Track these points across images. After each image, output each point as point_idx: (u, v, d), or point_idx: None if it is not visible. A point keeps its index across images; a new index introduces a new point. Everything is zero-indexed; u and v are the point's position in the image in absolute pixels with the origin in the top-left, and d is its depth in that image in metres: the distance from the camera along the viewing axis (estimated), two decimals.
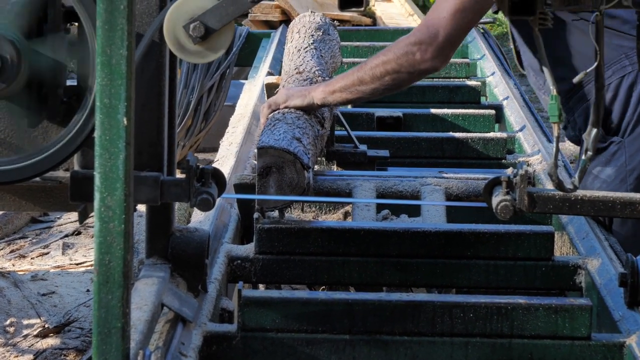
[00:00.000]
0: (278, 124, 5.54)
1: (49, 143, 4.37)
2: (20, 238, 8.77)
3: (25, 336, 6.77)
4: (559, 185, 4.44)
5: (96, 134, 3.41)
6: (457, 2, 5.02)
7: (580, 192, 4.51)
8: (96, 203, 3.43)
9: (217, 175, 4.45)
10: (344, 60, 8.00)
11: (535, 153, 6.71)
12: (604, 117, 4.83)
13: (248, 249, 5.16)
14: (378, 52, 5.24)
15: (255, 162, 5.17)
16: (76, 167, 4.47)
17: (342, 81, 5.39)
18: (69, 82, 4.39)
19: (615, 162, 4.75)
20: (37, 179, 4.45)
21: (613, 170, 4.76)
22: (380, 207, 5.77)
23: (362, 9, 3.94)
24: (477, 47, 9.27)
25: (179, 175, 4.49)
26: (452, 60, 9.04)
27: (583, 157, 4.26)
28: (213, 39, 4.04)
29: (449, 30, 5.04)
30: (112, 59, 3.37)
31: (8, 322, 6.83)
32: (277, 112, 5.89)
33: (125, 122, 3.39)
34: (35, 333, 6.78)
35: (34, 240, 8.70)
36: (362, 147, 6.46)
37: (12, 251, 8.55)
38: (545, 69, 4.30)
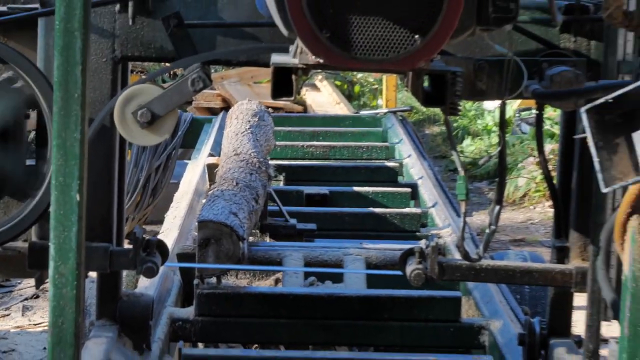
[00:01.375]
0: (217, 200, 5.55)
1: (10, 217, 4.36)
2: None
3: None
4: (466, 255, 4.44)
5: (51, 209, 3.40)
6: None
7: (484, 262, 4.52)
8: (51, 271, 3.41)
9: (161, 246, 4.45)
10: (277, 143, 8.01)
11: (446, 226, 6.74)
12: None
13: (188, 312, 5.15)
14: None
15: (196, 234, 5.16)
16: (34, 238, 4.45)
17: None
18: (28, 162, 4.38)
19: None
20: None
21: None
22: (307, 275, 5.77)
23: (293, 98, 3.93)
24: (395, 133, 9.32)
25: (127, 245, 4.49)
26: (373, 143, 9.13)
27: (487, 230, 4.27)
28: (159, 124, 4.04)
29: None
30: (67, 142, 3.36)
31: None
32: (216, 189, 5.89)
33: (78, 198, 3.37)
34: None
35: None
36: (292, 221, 6.48)
37: None
38: (453, 152, 4.30)
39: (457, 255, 4.54)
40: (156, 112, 4.03)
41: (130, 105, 4.04)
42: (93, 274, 4.54)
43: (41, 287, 6.19)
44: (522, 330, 4.83)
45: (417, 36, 3.41)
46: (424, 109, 5.44)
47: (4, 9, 4.51)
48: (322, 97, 14.28)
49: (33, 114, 4.35)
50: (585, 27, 4.49)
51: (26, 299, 8.63)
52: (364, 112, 12.32)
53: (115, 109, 4.06)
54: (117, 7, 4.48)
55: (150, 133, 4.07)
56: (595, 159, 3.05)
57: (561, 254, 4.76)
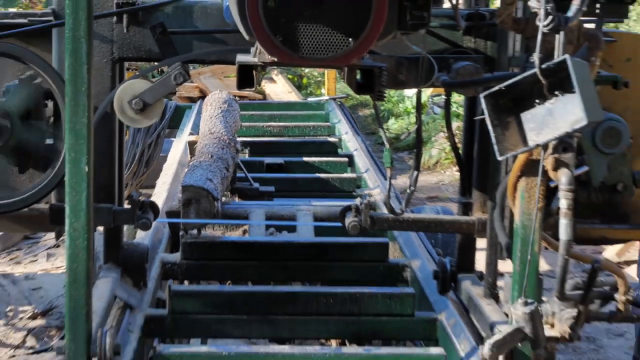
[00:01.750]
0: (196, 169, 5.53)
1: (34, 184, 4.33)
2: (17, 250, 8.68)
3: (21, 318, 6.70)
4: (391, 210, 4.43)
5: (66, 178, 3.39)
6: None
7: (406, 215, 4.51)
8: (67, 226, 3.42)
9: (153, 206, 4.44)
10: (243, 124, 7.99)
11: (376, 187, 6.74)
12: None
13: (176, 256, 5.14)
14: None
15: (181, 195, 5.14)
16: (53, 201, 4.43)
17: None
18: (47, 141, 4.36)
19: None
20: (26, 209, 4.40)
21: None
22: (268, 227, 5.76)
23: (254, 88, 3.92)
24: (335, 115, 9.31)
25: (126, 206, 4.47)
26: (318, 123, 9.11)
27: (408, 190, 4.26)
28: (149, 110, 4.04)
29: None
30: (77, 125, 3.34)
31: (8, 308, 6.76)
32: (195, 160, 5.87)
33: (87, 169, 3.36)
34: (27, 316, 6.71)
35: (26, 252, 8.62)
36: (256, 185, 6.46)
37: (10, 259, 8.47)
38: (380, 130, 4.28)
39: (385, 210, 4.53)
40: (147, 100, 4.03)
41: (126, 96, 4.03)
42: (100, 228, 4.52)
43: (60, 239, 6.20)
44: (436, 268, 4.84)
45: (350, 39, 3.39)
46: (357, 96, 5.46)
47: (26, 21, 4.47)
48: (278, 88, 14.26)
49: (50, 104, 4.32)
50: (483, 31, 4.48)
51: (49, 248, 8.60)
52: (310, 99, 12.29)
53: (114, 99, 4.05)
54: (115, 18, 4.45)
55: (142, 117, 4.07)
56: (492, 134, 3.05)
57: (466, 208, 4.77)
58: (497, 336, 3.50)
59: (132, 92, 4.03)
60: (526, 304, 3.34)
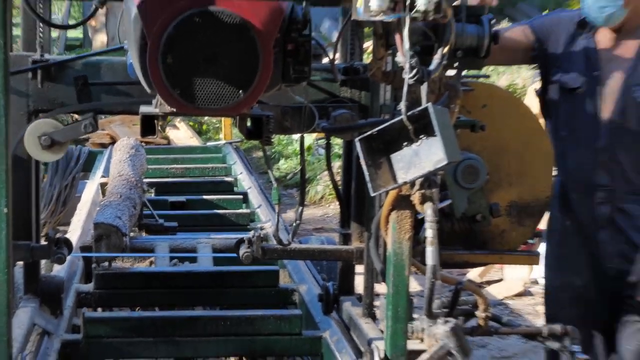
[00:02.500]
0: (107, 208, 5.49)
1: None
2: None
3: None
4: (280, 241, 4.43)
5: None
6: None
7: (293, 245, 4.52)
8: None
9: (67, 242, 4.40)
10: (149, 166, 7.94)
11: (268, 221, 6.74)
12: None
13: (89, 286, 5.10)
14: None
15: (93, 232, 5.09)
16: None
17: None
18: None
19: None
20: None
21: None
22: (172, 258, 5.73)
23: (156, 136, 3.91)
24: (232, 157, 9.30)
25: (43, 242, 4.42)
26: (216, 165, 9.09)
27: (294, 223, 4.27)
28: (56, 148, 4.00)
29: None
30: None
31: None
32: (106, 200, 5.83)
33: (6, 211, 3.31)
34: None
35: None
36: (160, 221, 6.43)
37: None
38: (269, 171, 4.29)
39: (275, 241, 4.53)
40: (55, 139, 3.99)
41: (37, 132, 3.99)
42: (20, 263, 4.47)
43: None
44: (321, 291, 4.84)
45: (241, 91, 3.39)
46: (247, 140, 5.53)
47: None
48: (180, 134, 14.18)
49: None
50: (357, 82, 4.51)
51: None
52: (209, 143, 12.24)
53: (26, 135, 4.01)
54: (30, 74, 4.39)
55: (50, 153, 4.03)
56: (366, 173, 3.06)
57: (345, 238, 4.79)
58: (425, 356, 3.50)
59: (42, 129, 3.99)
60: (445, 322, 3.35)
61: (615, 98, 4.07)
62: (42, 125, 4.01)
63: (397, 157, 3.08)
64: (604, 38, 4.15)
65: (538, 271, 8.25)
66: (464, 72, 3.60)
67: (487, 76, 4.60)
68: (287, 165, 13.79)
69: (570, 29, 4.14)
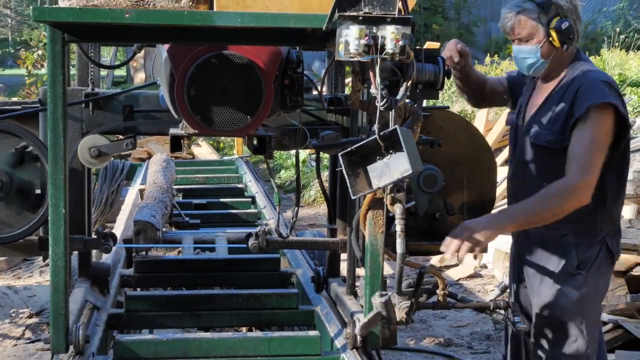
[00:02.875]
0: (144, 209, 5.47)
1: (27, 221, 4.25)
2: (18, 268, 8.48)
3: (21, 318, 6.54)
4: (280, 235, 4.43)
5: (49, 217, 3.33)
6: (596, 152, 3.57)
7: (291, 238, 4.53)
8: (50, 252, 3.35)
9: (113, 235, 4.41)
10: (178, 176, 7.92)
11: (271, 219, 6.70)
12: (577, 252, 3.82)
13: (130, 271, 5.07)
14: (547, 195, 3.60)
15: (133, 227, 5.08)
16: (41, 234, 4.35)
17: (525, 217, 3.62)
18: (36, 191, 4.29)
19: (579, 289, 3.76)
20: (22, 240, 4.33)
21: (577, 293, 3.75)
22: (195, 248, 5.70)
23: (182, 152, 3.93)
24: (243, 168, 9.27)
25: (94, 236, 4.41)
26: (230, 174, 9.05)
27: (292, 220, 4.26)
28: (102, 158, 4.02)
29: (596, 172, 3.56)
30: (56, 180, 3.30)
31: (12, 310, 6.59)
32: (143, 203, 5.80)
33: (64, 211, 3.30)
34: (26, 316, 6.55)
35: (25, 270, 8.42)
36: (186, 219, 6.41)
37: (13, 275, 8.28)
38: (271, 179, 4.27)
39: (277, 235, 4.52)
40: (102, 150, 4.01)
41: (87, 146, 4.02)
42: (75, 252, 4.46)
43: (46, 261, 6.14)
44: (313, 274, 4.84)
45: (248, 117, 3.40)
46: (253, 155, 5.51)
47: (19, 107, 4.40)
48: (202, 150, 14.15)
49: (37, 165, 4.27)
50: (340, 110, 4.50)
51: (41, 266, 8.41)
52: (225, 158, 12.22)
53: (79, 147, 4.06)
54: (83, 105, 4.39)
55: (97, 161, 4.07)
56: (347, 181, 3.05)
57: (332, 232, 4.77)
58: (364, 320, 3.52)
59: (91, 143, 4.00)
60: (382, 295, 3.36)
61: (522, 137, 3.95)
62: (92, 140, 4.02)
63: (371, 168, 3.08)
64: (538, 85, 4.03)
65: (486, 258, 8.24)
66: (426, 103, 3.60)
67: (447, 107, 4.59)
68: (286, 175, 13.76)
69: (528, 79, 4.06)
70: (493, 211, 4.19)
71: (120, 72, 27.99)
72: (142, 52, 4.29)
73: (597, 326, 3.96)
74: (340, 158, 3.05)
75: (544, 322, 3.86)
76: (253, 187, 8.18)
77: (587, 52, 16.79)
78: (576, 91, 3.68)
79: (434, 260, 8.19)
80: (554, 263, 3.82)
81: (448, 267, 8.42)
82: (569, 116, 3.66)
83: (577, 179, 3.57)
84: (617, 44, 18.93)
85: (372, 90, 2.99)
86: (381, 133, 2.98)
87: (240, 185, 8.44)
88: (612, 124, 3.61)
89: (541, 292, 3.86)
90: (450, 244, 3.47)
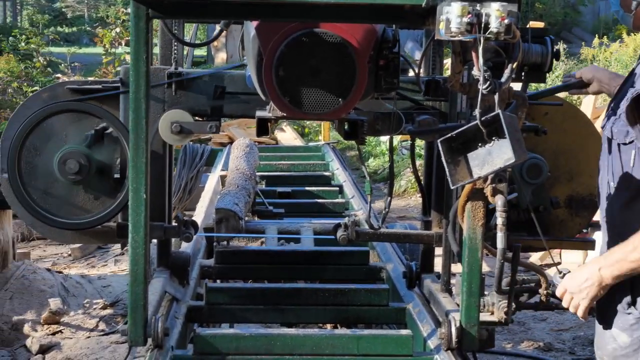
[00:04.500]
0: (226, 196, 5.53)
1: (106, 207, 4.34)
2: (92, 257, 8.67)
3: (94, 308, 6.67)
4: (371, 226, 4.43)
5: (129, 203, 3.39)
6: None
7: (382, 230, 4.50)
8: (130, 239, 3.41)
9: (194, 223, 4.44)
10: (261, 162, 7.99)
11: (360, 209, 6.73)
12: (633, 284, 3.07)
13: (211, 261, 5.14)
14: None
15: (215, 215, 5.14)
16: (120, 220, 4.43)
17: (626, 265, 2.89)
18: (115, 176, 4.37)
19: (631, 333, 3.05)
20: (99, 226, 4.41)
21: (628, 339, 3.06)
22: (280, 239, 5.75)
23: (269, 136, 3.96)
24: (329, 155, 9.30)
25: (174, 223, 4.47)
26: (316, 162, 9.09)
27: (384, 211, 4.26)
28: (183, 135, 4.04)
29: None
30: (137, 163, 3.35)
31: (85, 301, 6.73)
32: (225, 189, 5.86)
33: (145, 196, 3.36)
34: (100, 307, 6.68)
35: (99, 258, 8.61)
36: (270, 208, 6.47)
37: (87, 264, 8.46)
38: (362, 167, 4.27)
39: (367, 226, 4.52)
40: (185, 127, 4.04)
41: (170, 119, 4.05)
42: (154, 240, 4.52)
43: (124, 249, 6.26)
44: (405, 269, 4.83)
45: (340, 99, 3.41)
46: (345, 141, 5.47)
47: (100, 87, 4.48)
48: (286, 135, 14.25)
49: (117, 148, 4.35)
50: (438, 92, 4.47)
51: (116, 255, 8.59)
52: (311, 144, 12.30)
53: (161, 120, 4.07)
54: (166, 85, 4.45)
55: (178, 137, 4.07)
56: (447, 169, 3.05)
57: (427, 225, 4.75)
58: None
59: (175, 117, 4.04)
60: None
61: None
62: (175, 115, 4.06)
63: (472, 156, 3.05)
64: None
65: (592, 256, 8.12)
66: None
67: (561, 104, 4.50)
68: (375, 163, 13.77)
69: None
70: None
71: (201, 52, 28.31)
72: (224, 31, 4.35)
73: None
74: (439, 144, 3.03)
75: None
76: (340, 175, 8.20)
77: None
78: None
79: (536, 257, 8.11)
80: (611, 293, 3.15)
81: (549, 265, 8.32)
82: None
83: None
84: None
85: (475, 72, 2.96)
86: (483, 118, 2.94)
87: (326, 173, 8.48)
88: None
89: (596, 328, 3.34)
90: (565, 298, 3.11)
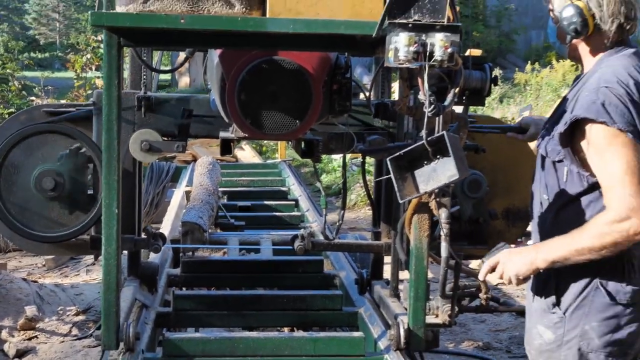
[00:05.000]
0: (191, 210, 5.52)
1: (80, 221, 4.31)
2: (65, 267, 8.56)
3: (68, 315, 6.60)
4: (326, 237, 4.45)
5: (102, 217, 3.38)
6: (632, 174, 2.77)
7: (336, 240, 4.53)
8: (103, 250, 3.40)
9: (162, 236, 4.45)
10: (223, 178, 7.96)
11: (314, 222, 6.73)
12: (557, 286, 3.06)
13: (177, 270, 5.12)
14: (586, 231, 2.84)
15: (180, 228, 5.12)
16: (93, 233, 4.40)
17: (561, 252, 2.86)
18: (88, 192, 4.35)
19: (555, 330, 3.03)
20: (74, 239, 4.38)
21: (553, 335, 3.04)
22: (241, 250, 5.74)
23: (231, 154, 3.96)
24: (285, 172, 9.30)
25: (144, 236, 4.46)
26: (274, 177, 9.08)
27: (337, 224, 4.27)
28: (151, 153, 3.99)
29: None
30: (110, 180, 3.34)
31: (59, 308, 6.65)
32: (190, 204, 5.85)
33: (117, 211, 3.35)
34: (73, 314, 6.61)
35: (72, 268, 8.50)
36: (232, 220, 6.46)
37: (61, 273, 8.36)
38: (318, 183, 4.29)
39: (321, 237, 4.54)
40: (155, 146, 3.99)
41: (140, 139, 4.00)
42: (125, 252, 4.50)
43: (97, 259, 6.17)
44: (356, 276, 4.85)
45: (297, 121, 3.44)
46: (300, 158, 5.46)
47: (74, 110, 4.47)
48: (246, 153, 14.22)
49: (90, 166, 4.32)
50: (387, 114, 4.51)
51: (88, 265, 8.49)
52: (268, 161, 12.30)
53: (131, 140, 4.02)
54: (136, 107, 4.45)
55: (146, 155, 4.02)
56: (395, 185, 3.06)
57: (377, 235, 4.78)
58: None
59: (144, 137, 4.00)
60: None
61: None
62: (145, 134, 4.03)
63: (418, 173, 3.07)
64: None
65: None
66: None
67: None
68: (327, 179, 13.79)
69: None
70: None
71: (166, 76, 28.18)
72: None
73: None
74: (388, 162, 3.05)
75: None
76: (296, 190, 8.21)
77: None
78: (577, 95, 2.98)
79: (476, 264, 8.16)
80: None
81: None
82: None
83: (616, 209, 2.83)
84: None
85: (420, 96, 3.00)
86: (429, 138, 2.98)
87: (283, 189, 8.48)
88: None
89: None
90: (484, 270, 3.10)
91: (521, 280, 2.99)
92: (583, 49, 3.04)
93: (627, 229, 2.77)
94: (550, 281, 3.04)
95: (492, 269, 3.05)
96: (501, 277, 3.02)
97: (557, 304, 3.03)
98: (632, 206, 2.76)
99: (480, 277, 3.13)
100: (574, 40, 3.02)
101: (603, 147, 2.81)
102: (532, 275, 3.00)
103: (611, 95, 2.82)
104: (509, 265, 2.99)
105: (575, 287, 2.98)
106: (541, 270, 2.96)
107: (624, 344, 2.99)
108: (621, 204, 2.77)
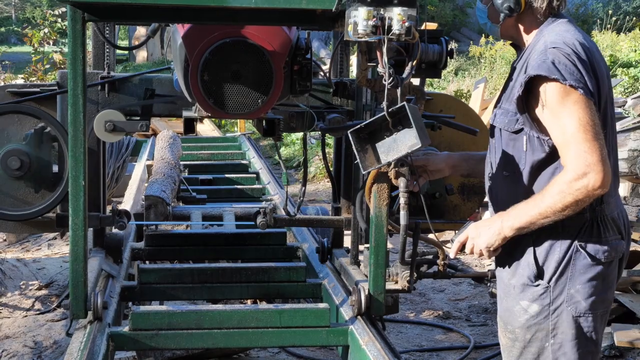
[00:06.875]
0: (154, 184, 5.51)
1: (46, 199, 4.33)
2: (26, 242, 8.51)
3: (30, 289, 6.59)
4: (287, 212, 4.51)
5: (70, 190, 3.41)
6: (585, 131, 2.80)
7: (298, 216, 4.56)
8: (70, 222, 3.43)
9: (127, 213, 4.47)
10: (184, 152, 7.91)
11: (275, 194, 6.75)
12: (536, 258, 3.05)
13: (141, 244, 5.15)
14: (547, 192, 2.86)
15: (143, 202, 5.14)
16: (59, 211, 4.43)
17: (526, 218, 2.90)
18: (54, 170, 4.36)
19: (541, 302, 3.02)
20: (40, 217, 4.40)
21: (539, 307, 3.03)
22: (203, 223, 5.76)
23: (195, 134, 4.00)
24: (245, 145, 9.26)
25: (109, 213, 4.48)
26: (234, 151, 9.05)
27: (299, 199, 4.30)
28: (116, 133, 3.99)
29: (597, 153, 2.77)
30: (76, 153, 3.38)
31: (21, 282, 6.65)
32: (152, 178, 5.84)
33: (84, 183, 3.39)
34: (35, 288, 6.61)
35: (33, 243, 8.45)
36: (194, 194, 6.45)
37: (22, 248, 8.32)
38: (280, 160, 4.33)
39: (283, 212, 4.58)
40: (118, 126, 3.99)
41: (103, 120, 3.99)
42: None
43: (64, 237, 6.11)
44: (318, 246, 4.91)
45: (259, 100, 3.50)
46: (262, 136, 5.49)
47: (38, 90, 4.48)
48: (205, 127, 14.15)
49: (55, 145, 4.34)
50: (345, 93, 4.57)
51: (49, 240, 8.45)
52: (228, 134, 12.26)
53: (96, 120, 4.01)
54: (99, 87, 4.47)
55: (110, 135, 4.02)
56: (357, 157, 3.11)
57: (337, 210, 4.86)
58: None
59: (108, 117, 4.00)
60: None
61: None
62: (109, 114, 4.02)
63: (380, 145, 3.11)
64: None
65: None
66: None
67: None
68: (286, 152, 13.82)
69: None
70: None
71: (122, 52, 27.91)
72: (144, 31, 4.39)
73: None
74: (349, 135, 3.09)
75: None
76: (256, 163, 8.21)
77: None
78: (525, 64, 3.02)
79: (433, 235, 8.28)
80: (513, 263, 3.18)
81: (445, 242, 8.52)
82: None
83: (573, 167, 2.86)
84: (608, 26, 18.96)
85: (379, 69, 3.02)
86: (389, 110, 3.01)
87: (244, 162, 8.46)
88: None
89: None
90: (455, 247, 3.14)
91: (492, 252, 3.03)
92: (517, 27, 3.10)
93: (586, 185, 2.81)
94: (527, 255, 3.05)
95: (463, 246, 3.10)
96: (472, 252, 3.07)
97: (539, 275, 3.03)
98: (588, 162, 2.79)
99: (452, 254, 3.15)
100: (507, 19, 3.06)
101: (556, 106, 2.85)
102: (501, 247, 3.02)
103: (559, 54, 2.87)
104: (477, 239, 3.04)
105: (556, 255, 3.00)
106: (508, 238, 2.98)
107: (607, 302, 3.06)
108: (578, 161, 2.81)
